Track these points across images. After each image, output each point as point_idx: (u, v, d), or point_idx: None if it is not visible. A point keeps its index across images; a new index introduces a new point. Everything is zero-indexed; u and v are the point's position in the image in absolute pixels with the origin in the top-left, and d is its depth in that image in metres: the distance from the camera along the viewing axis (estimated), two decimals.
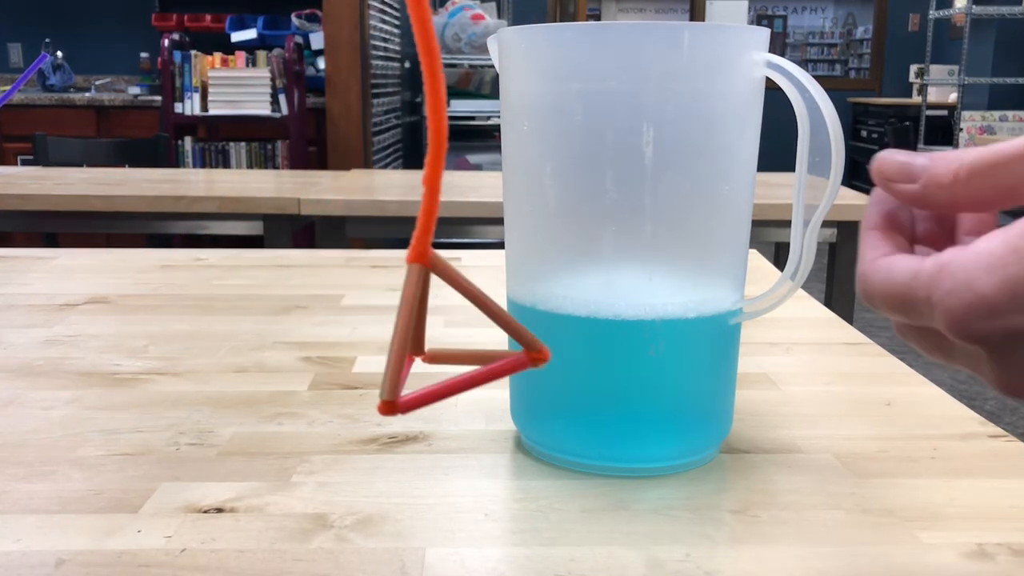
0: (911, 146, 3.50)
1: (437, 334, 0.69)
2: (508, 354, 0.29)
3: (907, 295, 0.26)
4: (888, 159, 0.28)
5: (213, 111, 3.36)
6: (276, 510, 0.42)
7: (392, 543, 0.39)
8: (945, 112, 4.92)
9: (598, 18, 5.93)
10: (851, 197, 1.87)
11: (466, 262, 0.94)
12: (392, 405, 0.27)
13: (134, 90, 3.92)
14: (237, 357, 0.64)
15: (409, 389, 0.28)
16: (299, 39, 3.51)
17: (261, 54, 3.40)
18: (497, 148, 0.40)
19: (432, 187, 0.25)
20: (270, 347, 0.66)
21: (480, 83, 4.45)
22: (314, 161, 3.58)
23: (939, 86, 5.07)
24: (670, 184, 0.42)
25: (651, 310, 0.43)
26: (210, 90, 3.34)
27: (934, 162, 0.27)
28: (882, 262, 0.27)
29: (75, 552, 0.38)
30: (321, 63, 3.53)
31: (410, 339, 0.27)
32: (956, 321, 0.24)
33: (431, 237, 0.27)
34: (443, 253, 1.12)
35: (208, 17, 3.88)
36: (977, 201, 0.26)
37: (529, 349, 0.29)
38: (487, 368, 0.29)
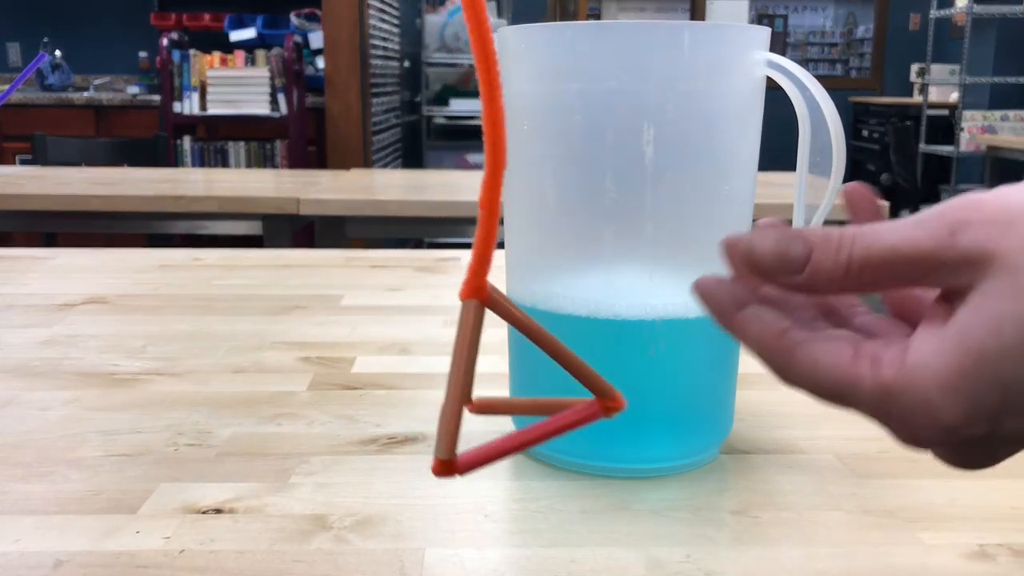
0: (913, 146, 3.49)
1: (435, 334, 0.69)
2: (574, 403, 0.26)
3: (844, 401, 0.24)
4: (761, 249, 0.24)
5: (212, 110, 3.35)
6: (275, 511, 0.42)
7: (391, 544, 0.39)
8: (946, 111, 4.91)
9: (598, 17, 5.93)
10: None
11: (466, 262, 0.94)
12: (450, 465, 0.24)
13: (133, 90, 3.92)
14: (236, 357, 0.64)
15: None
16: (298, 38, 3.51)
17: (260, 53, 3.40)
18: None
19: (490, 210, 0.22)
20: (269, 347, 0.66)
21: None
22: (313, 160, 3.58)
23: (940, 86, 5.07)
24: (670, 184, 0.42)
25: (651, 310, 0.43)
26: (209, 89, 3.34)
27: (816, 249, 0.24)
28: (804, 355, 0.25)
29: (73, 553, 0.38)
30: (320, 62, 3.53)
31: (468, 387, 0.24)
32: (915, 439, 0.24)
33: (489, 268, 0.24)
34: (442, 253, 1.11)
35: (207, 16, 3.87)
36: (867, 290, 0.24)
37: (602, 396, 0.26)
38: (558, 421, 0.25)
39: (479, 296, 0.24)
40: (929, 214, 0.23)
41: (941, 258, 0.22)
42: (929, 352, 0.22)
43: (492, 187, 0.22)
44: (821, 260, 0.24)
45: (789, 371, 0.26)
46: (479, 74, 0.22)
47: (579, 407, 0.26)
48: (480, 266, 0.23)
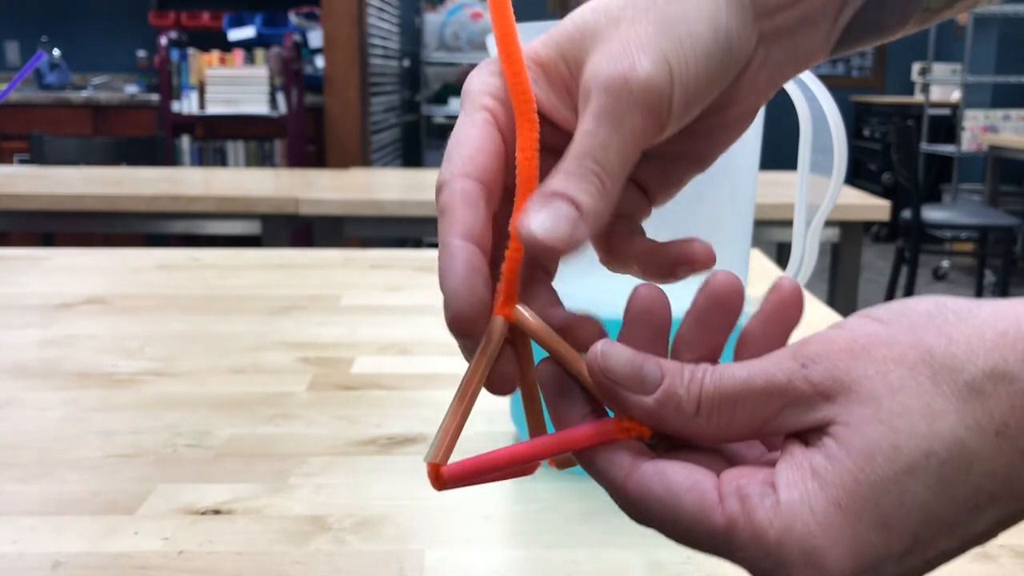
0: (915, 145, 3.48)
1: (435, 334, 0.68)
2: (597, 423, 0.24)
3: (710, 544, 0.22)
4: (615, 361, 0.23)
5: (211, 110, 3.35)
6: (274, 512, 0.42)
7: (391, 545, 0.39)
8: (948, 111, 4.90)
9: None
10: (853, 197, 1.86)
11: None
12: (436, 472, 0.23)
13: (131, 89, 3.91)
14: (234, 358, 0.63)
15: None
16: (297, 37, 3.51)
17: (259, 52, 3.40)
18: None
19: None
20: (268, 348, 0.66)
21: None
22: (312, 160, 3.58)
23: (942, 85, 5.06)
24: None
25: None
26: (208, 88, 3.34)
27: (669, 375, 0.23)
28: (653, 484, 0.22)
29: (72, 554, 0.38)
30: (320, 61, 3.53)
31: (474, 400, 0.24)
32: None
33: (516, 287, 0.24)
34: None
35: (206, 15, 3.87)
36: (716, 437, 0.23)
37: (622, 419, 0.23)
38: (566, 435, 0.23)
39: (504, 313, 0.24)
40: (781, 352, 0.23)
41: (794, 392, 0.22)
42: (801, 489, 0.21)
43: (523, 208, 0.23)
44: (674, 386, 0.22)
45: (633, 495, 0.23)
46: (512, 95, 0.23)
47: (592, 425, 0.23)
48: (508, 286, 0.24)
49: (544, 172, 0.24)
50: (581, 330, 0.25)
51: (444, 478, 0.23)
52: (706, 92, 0.25)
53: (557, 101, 0.25)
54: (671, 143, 0.26)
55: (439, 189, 0.24)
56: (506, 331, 0.24)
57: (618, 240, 0.27)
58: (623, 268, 0.28)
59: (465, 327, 0.23)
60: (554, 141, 0.25)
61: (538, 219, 0.23)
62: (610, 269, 0.27)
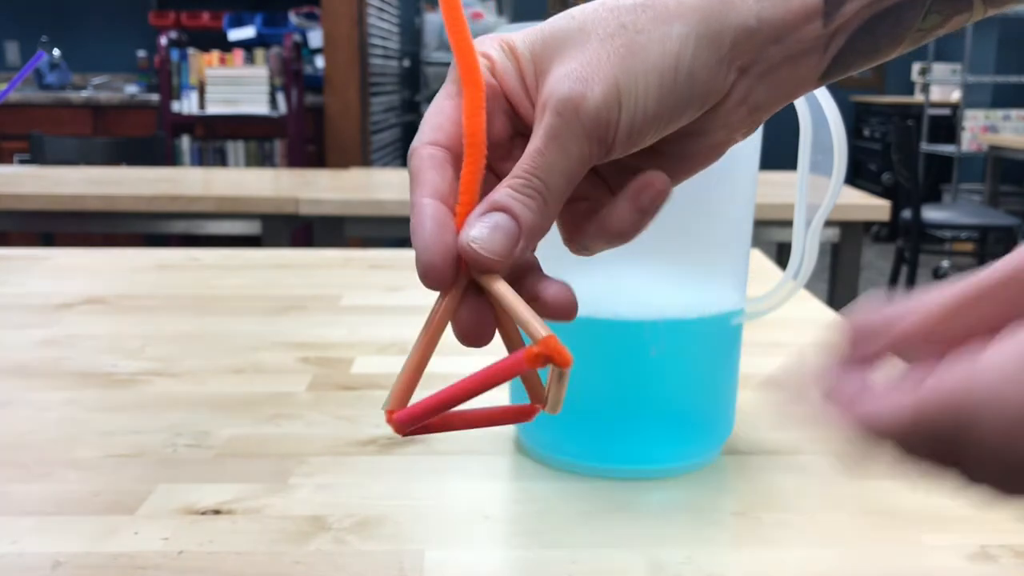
0: (915, 145, 3.48)
1: None
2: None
3: (932, 430, 0.21)
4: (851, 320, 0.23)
5: (211, 110, 3.35)
6: (274, 512, 0.42)
7: (391, 545, 0.39)
8: (948, 111, 4.90)
9: None
10: (853, 197, 1.86)
11: None
12: (391, 418, 0.24)
13: (131, 89, 3.91)
14: (234, 358, 0.63)
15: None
16: (297, 37, 3.50)
17: (259, 52, 3.39)
18: None
19: (468, 188, 0.24)
20: (268, 348, 0.66)
21: None
22: (312, 160, 3.57)
23: (942, 84, 5.05)
24: None
25: (652, 310, 0.42)
26: (208, 88, 3.33)
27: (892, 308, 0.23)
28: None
29: (72, 554, 0.38)
30: (319, 61, 3.52)
31: (431, 348, 0.25)
32: (983, 457, 0.21)
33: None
34: None
35: (206, 15, 3.87)
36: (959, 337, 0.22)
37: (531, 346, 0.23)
38: (486, 371, 0.24)
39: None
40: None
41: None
42: (994, 353, 0.20)
43: (469, 170, 0.25)
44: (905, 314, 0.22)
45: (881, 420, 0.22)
46: (464, 89, 0.24)
47: (511, 356, 0.24)
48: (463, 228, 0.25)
49: (511, 154, 0.26)
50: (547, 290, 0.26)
51: (397, 422, 0.24)
52: (657, 124, 0.26)
53: (523, 93, 0.27)
54: (636, 156, 0.27)
55: (409, 157, 0.26)
56: (459, 276, 0.25)
57: (580, 219, 0.28)
58: (580, 249, 0.29)
59: (436, 278, 0.24)
60: (521, 127, 0.27)
61: (479, 231, 0.24)
62: (571, 250, 0.29)
